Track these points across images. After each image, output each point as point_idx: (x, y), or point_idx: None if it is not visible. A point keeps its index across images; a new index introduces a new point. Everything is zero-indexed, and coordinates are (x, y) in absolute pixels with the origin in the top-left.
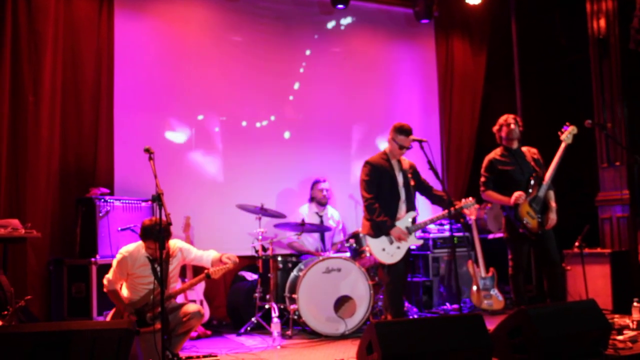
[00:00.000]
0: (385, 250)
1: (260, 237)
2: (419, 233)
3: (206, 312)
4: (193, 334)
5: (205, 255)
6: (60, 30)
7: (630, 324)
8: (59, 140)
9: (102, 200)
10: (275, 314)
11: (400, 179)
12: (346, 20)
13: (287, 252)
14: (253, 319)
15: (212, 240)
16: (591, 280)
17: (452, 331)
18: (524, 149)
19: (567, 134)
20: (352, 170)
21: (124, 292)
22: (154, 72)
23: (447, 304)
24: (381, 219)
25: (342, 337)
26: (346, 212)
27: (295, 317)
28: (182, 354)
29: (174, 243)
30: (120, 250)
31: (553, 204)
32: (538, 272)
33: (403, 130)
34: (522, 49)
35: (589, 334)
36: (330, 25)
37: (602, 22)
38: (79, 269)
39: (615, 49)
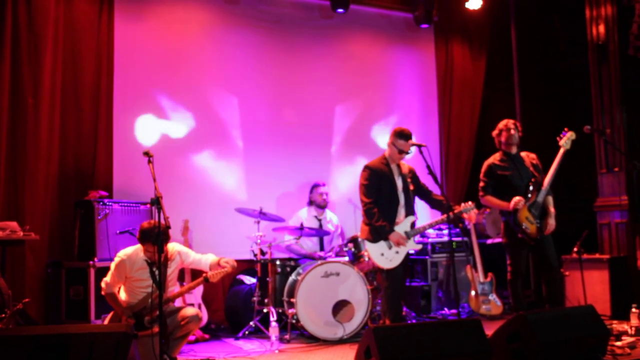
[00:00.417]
0: (384, 255)
1: (258, 241)
2: (417, 238)
3: (204, 315)
4: (191, 337)
5: (204, 259)
6: (60, 32)
7: (629, 330)
8: (58, 143)
9: (101, 203)
10: (273, 318)
11: (399, 183)
12: (346, 25)
13: (286, 256)
14: (251, 323)
15: (211, 243)
16: (589, 286)
17: (450, 336)
18: (523, 154)
19: (566, 139)
20: (351, 174)
21: (122, 295)
22: (154, 74)
23: (446, 308)
24: (380, 223)
25: (340, 341)
26: (345, 216)
27: (294, 321)
28: (180, 358)
29: (173, 246)
30: (119, 253)
31: (552, 210)
32: (536, 277)
33: (403, 135)
34: (522, 54)
35: (587, 339)
36: (330, 29)
37: (602, 28)
38: (77, 272)
39: (615, 55)
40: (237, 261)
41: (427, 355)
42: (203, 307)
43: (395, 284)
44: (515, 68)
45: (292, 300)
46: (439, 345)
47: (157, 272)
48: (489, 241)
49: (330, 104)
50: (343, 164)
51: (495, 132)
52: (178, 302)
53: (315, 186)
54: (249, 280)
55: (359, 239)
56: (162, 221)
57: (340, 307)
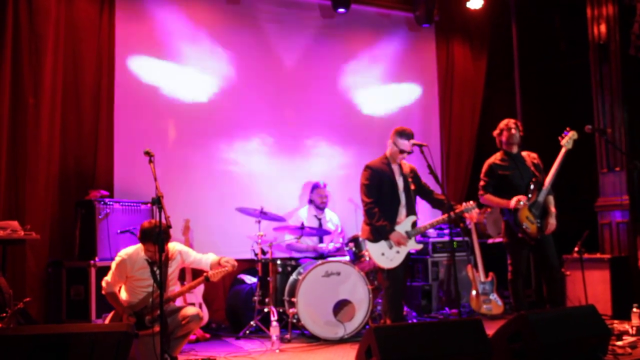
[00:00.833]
0: (385, 255)
1: (259, 241)
2: (418, 237)
3: (205, 315)
4: (192, 337)
5: (205, 259)
6: (61, 32)
7: (630, 330)
8: (59, 142)
9: (102, 202)
10: (274, 317)
11: (400, 183)
12: (347, 24)
13: (287, 255)
14: (252, 323)
15: (212, 243)
16: (590, 286)
17: (451, 336)
18: (524, 153)
19: (568, 139)
20: (352, 174)
21: (123, 294)
22: (154, 73)
23: (446, 308)
24: (380, 223)
25: (341, 341)
26: (346, 215)
27: (294, 320)
28: (181, 357)
29: (173, 246)
30: (120, 252)
31: (552, 209)
32: (537, 277)
33: (404, 134)
34: (522, 54)
35: (589, 339)
36: (331, 29)
37: (603, 28)
38: (78, 272)
39: (616, 55)
40: (238, 261)
41: (428, 355)
42: (204, 306)
43: (396, 283)
44: (516, 68)
45: (293, 299)
46: (440, 345)
47: (157, 272)
48: (490, 241)
49: (331, 103)
50: (344, 163)
51: (496, 132)
52: (179, 302)
53: (316, 187)
54: (250, 279)
55: (360, 239)
56: (163, 220)
57: (341, 307)
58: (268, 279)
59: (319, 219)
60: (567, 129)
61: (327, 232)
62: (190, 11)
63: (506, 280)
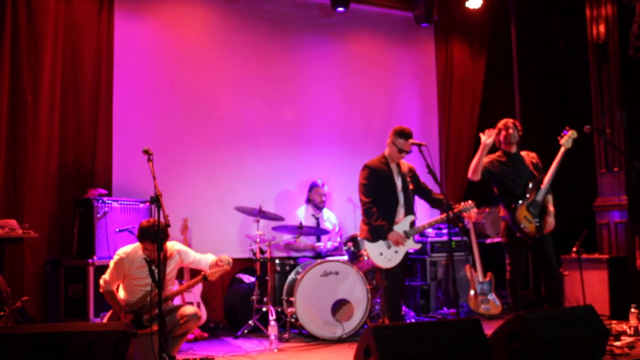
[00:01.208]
0: (383, 255)
1: (258, 240)
2: (417, 237)
3: (203, 314)
4: (190, 336)
5: (204, 259)
6: (60, 30)
7: (628, 330)
8: (58, 141)
9: (100, 201)
10: (272, 316)
11: (399, 182)
12: (346, 24)
13: (285, 255)
14: (250, 322)
15: (210, 242)
16: (589, 286)
17: (450, 335)
18: (523, 153)
19: (567, 138)
20: (351, 173)
21: (121, 293)
22: (154, 72)
23: (445, 308)
24: (379, 223)
25: (340, 340)
26: (344, 215)
27: (293, 320)
28: (179, 357)
29: (172, 245)
30: (118, 251)
31: (551, 208)
32: (535, 277)
33: (403, 134)
34: (522, 53)
35: (586, 339)
36: (330, 28)
37: (602, 28)
38: (76, 270)
39: (615, 55)
40: (236, 260)
41: (427, 355)
42: (202, 305)
43: (394, 283)
44: (515, 67)
45: (291, 299)
46: (438, 345)
47: (156, 271)
48: (488, 241)
49: (330, 103)
50: (343, 162)
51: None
52: (177, 301)
53: (314, 186)
54: (248, 279)
55: (358, 238)
56: (162, 219)
57: (339, 306)
58: (266, 278)
59: (317, 219)
60: (567, 128)
61: (325, 232)
62: (190, 9)
63: (504, 280)
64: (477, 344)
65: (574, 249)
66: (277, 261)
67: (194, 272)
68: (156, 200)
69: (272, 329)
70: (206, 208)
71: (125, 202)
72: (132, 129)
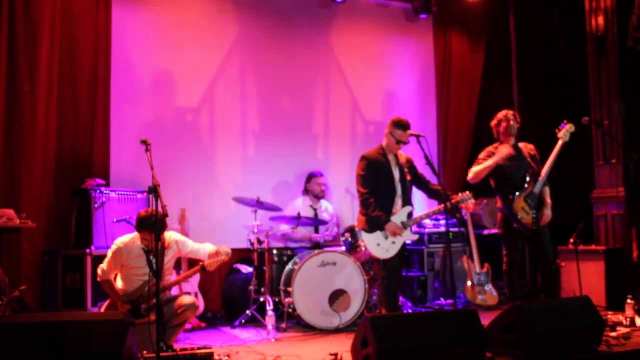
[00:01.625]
0: (381, 246)
1: (256, 230)
2: (414, 228)
3: (201, 304)
4: (188, 326)
5: (202, 249)
6: (57, 20)
7: (624, 321)
8: (55, 131)
9: (98, 191)
10: (270, 307)
11: (396, 174)
12: (345, 15)
13: (283, 245)
14: (248, 312)
15: (208, 233)
16: (585, 277)
17: (447, 326)
18: (521, 145)
19: (565, 132)
20: (349, 164)
21: (119, 283)
22: (152, 62)
23: (442, 299)
24: (376, 214)
25: (337, 330)
26: (342, 206)
27: (290, 310)
28: (177, 346)
29: (170, 235)
30: (116, 241)
31: (548, 201)
32: (532, 268)
33: (401, 125)
34: (520, 45)
35: (583, 330)
36: (329, 19)
37: (601, 20)
38: (74, 260)
39: (614, 47)
40: (234, 250)
41: (424, 345)
42: (200, 295)
43: (392, 274)
44: (513, 59)
45: (289, 289)
46: (435, 335)
47: (154, 261)
48: (486, 232)
49: (328, 94)
50: (341, 153)
51: (494, 123)
52: (175, 291)
53: (312, 176)
54: (246, 269)
55: (356, 229)
56: (160, 210)
57: (336, 297)
58: (264, 268)
59: (315, 210)
60: (565, 121)
61: (323, 222)
62: None
63: (501, 271)
64: (474, 334)
65: (571, 241)
66: (274, 252)
67: (192, 263)
68: (154, 191)
69: (270, 319)
70: (204, 198)
71: (123, 193)
72: (130, 119)
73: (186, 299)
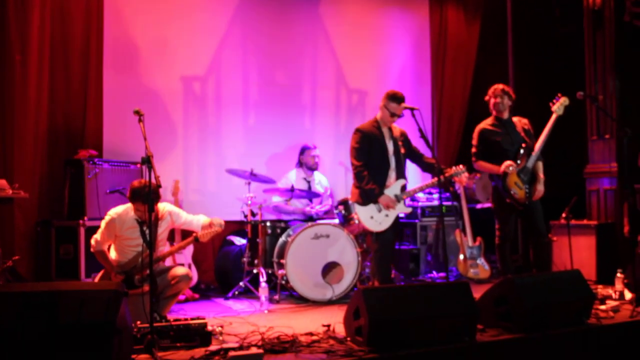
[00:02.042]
0: (374, 218)
1: (249, 202)
2: (408, 201)
3: (194, 275)
4: (181, 297)
5: (196, 220)
6: None
7: (613, 294)
8: (47, 100)
9: (91, 162)
10: (263, 278)
11: (390, 146)
12: None
13: (276, 217)
14: (241, 284)
15: (201, 204)
16: (576, 251)
17: (438, 298)
18: (515, 119)
19: (559, 105)
20: (343, 137)
21: (112, 254)
22: (145, 32)
23: (434, 272)
24: (369, 186)
25: (330, 302)
26: (336, 178)
27: (283, 282)
28: (170, 317)
29: (163, 206)
30: (109, 212)
31: (541, 176)
32: (524, 242)
33: (395, 98)
34: (516, 19)
35: (573, 303)
36: None
37: None
38: (67, 231)
39: (610, 21)
40: (227, 222)
41: (416, 316)
42: (193, 267)
43: (385, 246)
44: (509, 33)
45: (282, 261)
46: (427, 307)
47: (147, 231)
48: (479, 206)
49: (323, 67)
50: (334, 126)
51: (487, 97)
52: (168, 262)
53: (306, 149)
54: (239, 241)
55: (349, 202)
56: (153, 180)
57: (329, 269)
58: (257, 240)
59: (308, 182)
60: (559, 94)
61: (317, 195)
62: None
63: (494, 245)
64: (466, 307)
65: (563, 215)
66: (268, 224)
67: (185, 234)
68: (147, 161)
69: (263, 291)
70: (197, 170)
71: (116, 163)
72: (123, 89)
73: (179, 270)
